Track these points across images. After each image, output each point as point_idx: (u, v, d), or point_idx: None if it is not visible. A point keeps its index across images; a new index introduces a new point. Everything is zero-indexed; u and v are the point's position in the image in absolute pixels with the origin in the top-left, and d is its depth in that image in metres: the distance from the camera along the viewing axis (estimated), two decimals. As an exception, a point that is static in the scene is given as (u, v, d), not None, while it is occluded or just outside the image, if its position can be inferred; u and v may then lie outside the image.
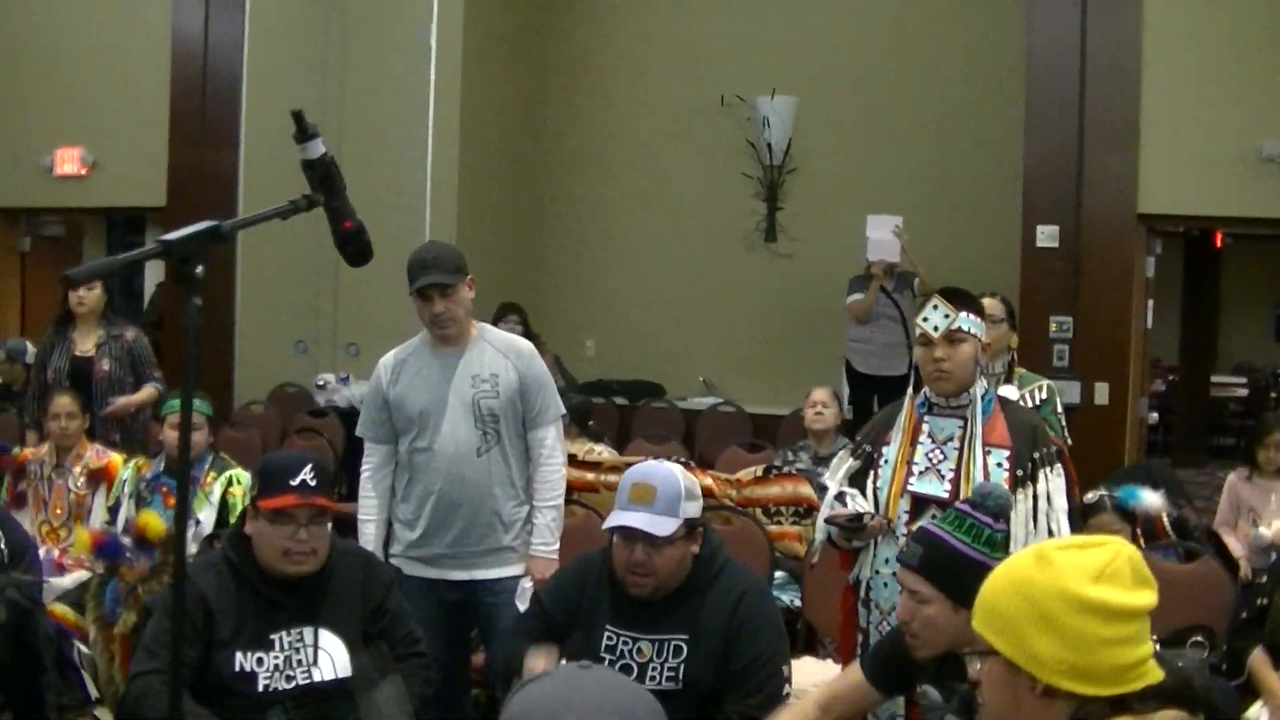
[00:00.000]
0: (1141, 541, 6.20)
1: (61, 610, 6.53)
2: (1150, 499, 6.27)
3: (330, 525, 4.46)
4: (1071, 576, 2.44)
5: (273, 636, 4.34)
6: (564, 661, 4.22)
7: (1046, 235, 10.23)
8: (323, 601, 4.43)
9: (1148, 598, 2.46)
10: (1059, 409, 6.56)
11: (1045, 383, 6.63)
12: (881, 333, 10.53)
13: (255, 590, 4.38)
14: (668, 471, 4.50)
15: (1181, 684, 2.48)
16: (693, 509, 4.40)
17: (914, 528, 4.25)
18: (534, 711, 2.00)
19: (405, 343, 5.68)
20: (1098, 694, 2.42)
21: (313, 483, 4.33)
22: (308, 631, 4.38)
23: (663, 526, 4.29)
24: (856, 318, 10.61)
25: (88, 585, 6.35)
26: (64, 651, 6.38)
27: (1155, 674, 2.45)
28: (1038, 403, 6.44)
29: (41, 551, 6.95)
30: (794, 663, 5.68)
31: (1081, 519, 5.69)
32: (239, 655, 4.30)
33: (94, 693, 6.36)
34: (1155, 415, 11.05)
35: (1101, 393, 10.18)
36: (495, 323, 11.14)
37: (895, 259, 10.41)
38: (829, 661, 5.71)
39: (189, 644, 4.23)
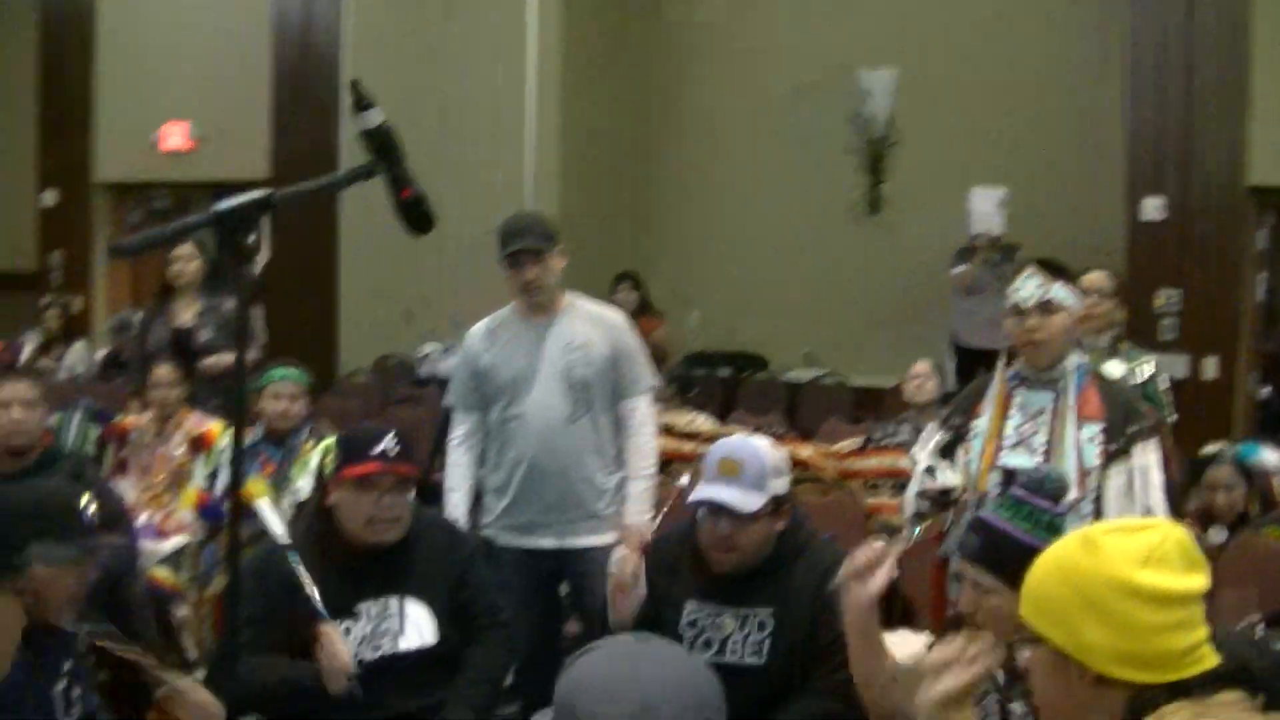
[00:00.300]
0: (1255, 505, 6.10)
1: (162, 574, 6.63)
2: (1271, 457, 6.16)
3: (413, 494, 4.48)
4: (1119, 561, 2.38)
5: (359, 606, 4.36)
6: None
7: (1153, 207, 10.09)
8: (408, 570, 4.43)
9: (1198, 581, 2.40)
10: (1164, 385, 6.46)
11: (1152, 358, 6.54)
12: (986, 305, 10.36)
13: (340, 561, 4.40)
14: (755, 446, 4.45)
15: (1239, 667, 2.42)
16: (779, 485, 4.34)
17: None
18: (591, 679, 2.00)
19: (496, 312, 5.68)
20: (1151, 681, 2.35)
21: (395, 451, 4.34)
22: (393, 601, 4.39)
23: (748, 502, 4.24)
24: (961, 290, 10.50)
25: (185, 550, 6.43)
26: (164, 614, 6.48)
27: (1211, 659, 2.38)
28: (1143, 379, 6.35)
29: (143, 517, 7.05)
30: (889, 636, 5.66)
31: (1192, 477, 5.61)
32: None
33: (194, 654, 6.46)
34: (1268, 390, 10.80)
35: (1210, 367, 10.03)
36: (611, 293, 11.26)
37: (999, 231, 10.28)
38: (925, 634, 5.66)
39: (276, 624, 4.29)
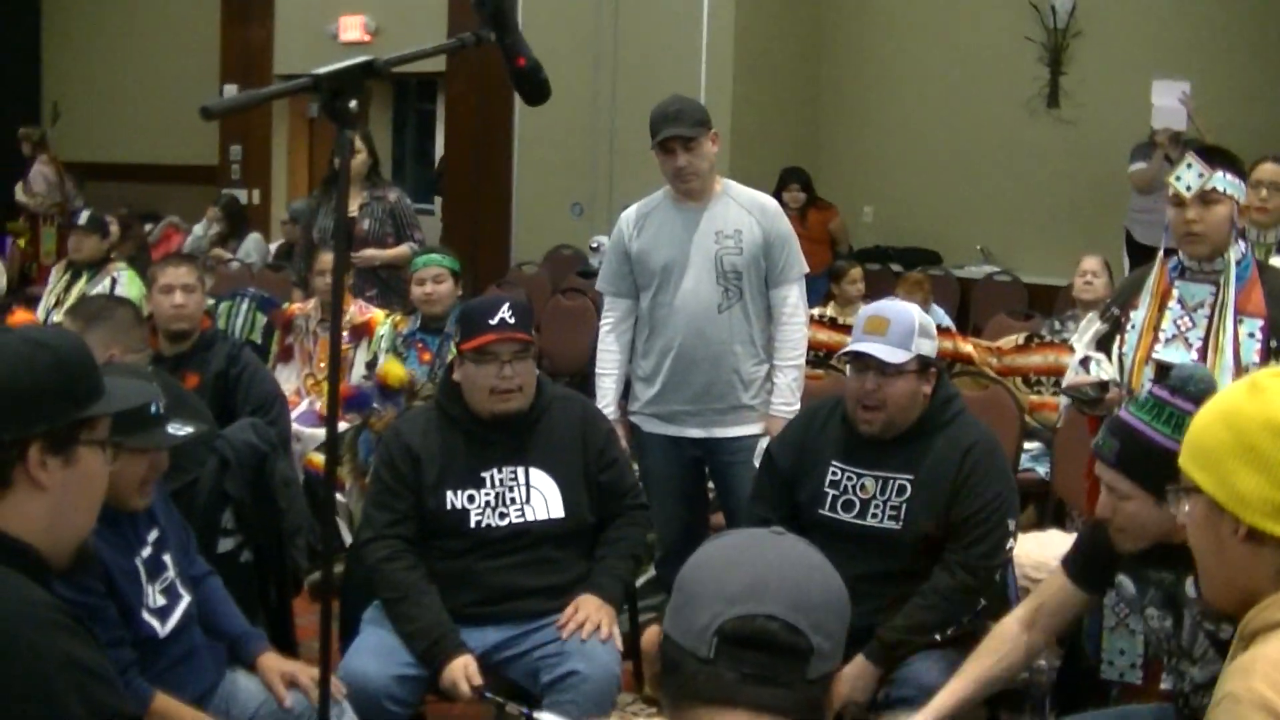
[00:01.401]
0: None
1: (320, 459, 6.72)
2: None
3: (536, 364, 4.50)
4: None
5: (484, 474, 4.38)
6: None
7: (1340, 98, 9.73)
8: (535, 442, 4.45)
9: None
10: None
11: None
12: (1164, 203, 10.09)
13: (466, 431, 4.43)
14: (903, 307, 4.49)
15: None
16: (927, 346, 4.34)
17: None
18: (707, 560, 1.97)
19: (648, 196, 5.63)
20: None
21: (511, 320, 4.35)
22: (520, 470, 4.40)
23: (895, 355, 4.24)
24: (1139, 187, 10.22)
25: (343, 438, 6.52)
26: (322, 499, 6.58)
27: None
28: None
29: (304, 404, 7.18)
30: (1040, 535, 5.59)
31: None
32: (449, 494, 4.35)
33: (348, 538, 6.56)
34: None
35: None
36: (778, 191, 11.19)
37: (1181, 127, 9.95)
38: (1075, 535, 5.57)
39: (399, 495, 4.36)
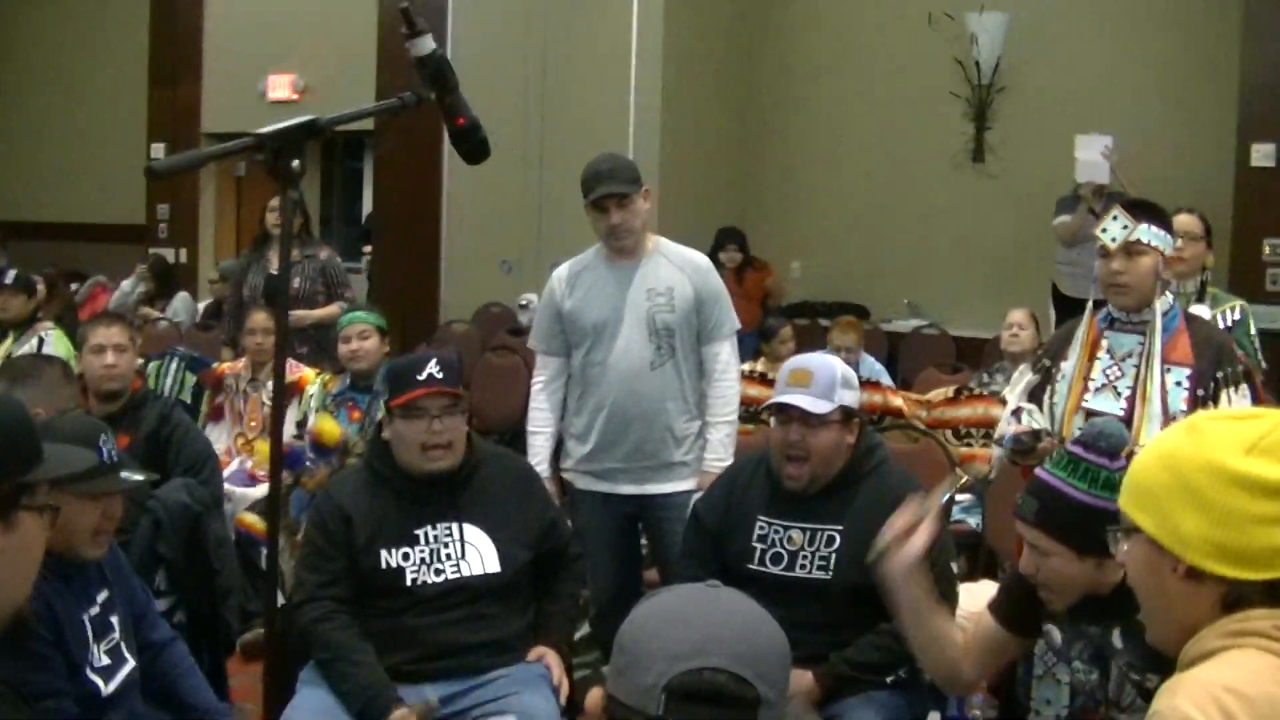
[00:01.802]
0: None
1: (251, 519, 6.73)
2: None
3: (467, 420, 4.49)
4: (1221, 447, 2.23)
5: (417, 531, 4.36)
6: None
7: (1263, 154, 9.92)
8: (468, 497, 4.44)
9: None
10: (1253, 331, 6.32)
11: (1239, 303, 6.38)
12: (1089, 255, 10.12)
13: (397, 490, 4.41)
14: (825, 359, 4.57)
15: None
16: (849, 397, 4.41)
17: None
18: (649, 617, 1.97)
19: (580, 255, 5.64)
20: (1247, 578, 2.19)
21: (440, 374, 4.35)
22: (454, 526, 4.39)
23: (819, 406, 4.30)
24: (1064, 240, 10.33)
25: (276, 494, 6.48)
26: (252, 559, 6.55)
27: None
28: (1230, 324, 6.21)
29: (235, 463, 7.14)
30: (973, 586, 5.61)
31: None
32: (383, 553, 4.33)
33: (282, 599, 6.51)
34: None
35: (1318, 321, 9.81)
36: (714, 250, 11.27)
37: (1105, 180, 10.08)
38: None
39: (331, 556, 4.33)
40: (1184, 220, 6.26)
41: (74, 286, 13.42)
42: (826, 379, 4.37)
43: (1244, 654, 2.15)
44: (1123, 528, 2.39)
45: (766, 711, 1.89)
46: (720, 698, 1.86)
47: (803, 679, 4.14)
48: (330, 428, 6.50)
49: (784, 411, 4.37)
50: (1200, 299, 6.21)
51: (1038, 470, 3.62)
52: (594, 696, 1.97)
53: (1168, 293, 4.64)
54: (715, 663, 1.87)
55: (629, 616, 1.99)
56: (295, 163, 2.51)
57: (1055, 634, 3.64)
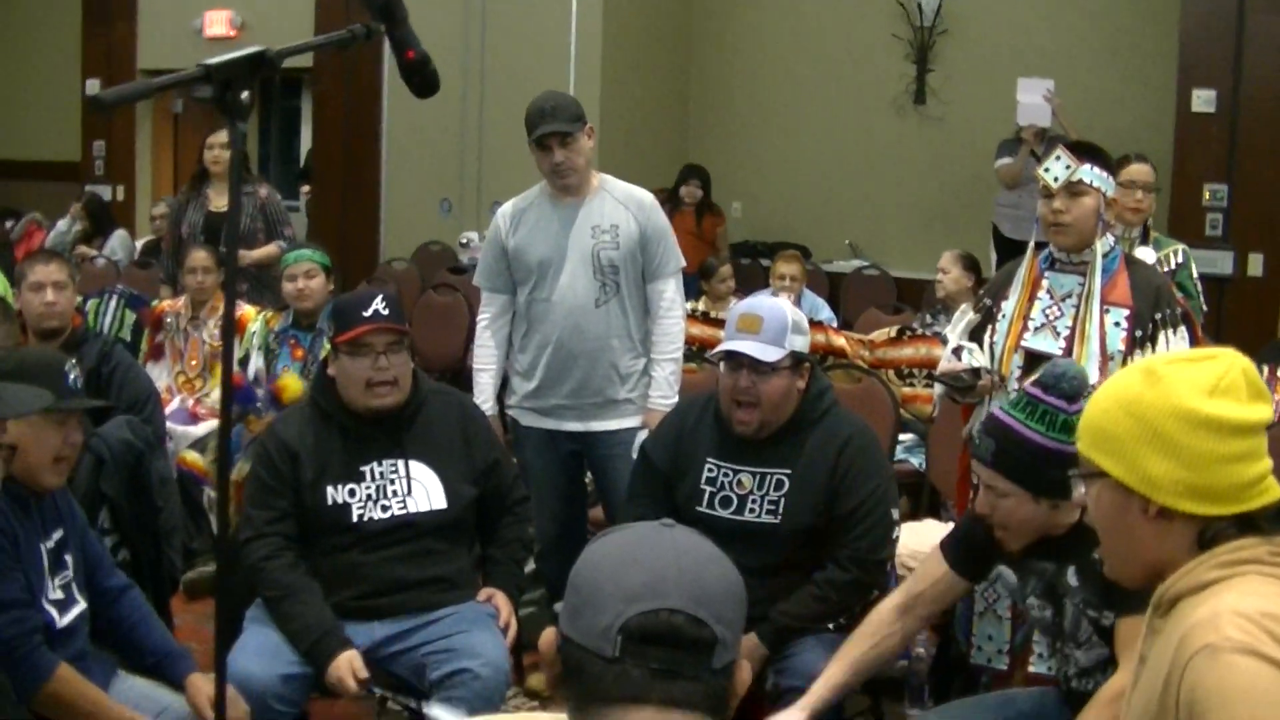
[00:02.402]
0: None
1: (193, 458, 6.71)
2: None
3: (411, 357, 4.48)
4: (1184, 391, 2.30)
5: (363, 468, 4.37)
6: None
7: (1203, 100, 9.95)
8: (413, 434, 4.45)
9: (1265, 411, 2.33)
10: (1195, 274, 6.39)
11: (1180, 247, 6.46)
12: (1030, 198, 10.17)
13: (342, 427, 4.42)
14: (775, 304, 4.52)
15: None
16: (799, 342, 4.38)
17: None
18: (603, 559, 1.96)
19: (525, 192, 5.63)
20: (1218, 513, 2.28)
21: (385, 311, 4.35)
22: (400, 463, 4.40)
23: (768, 353, 4.28)
24: (1005, 182, 10.38)
25: (213, 434, 6.47)
26: (194, 497, 6.53)
27: (1275, 490, 2.32)
28: (1173, 266, 6.28)
29: (176, 401, 7.10)
30: (916, 525, 5.68)
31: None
32: (330, 489, 4.34)
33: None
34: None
35: (1256, 264, 9.92)
36: (677, 185, 11.28)
37: (1046, 123, 10.13)
38: (950, 524, 5.66)
39: (278, 493, 4.33)
40: (1143, 170, 6.33)
41: (8, 224, 13.30)
42: (777, 325, 4.33)
43: (1247, 580, 2.22)
44: (1084, 472, 2.44)
45: (723, 651, 1.89)
46: (677, 639, 1.86)
47: (748, 640, 4.15)
48: (295, 386, 6.45)
49: (733, 358, 4.35)
50: (1144, 242, 6.27)
51: (994, 410, 3.67)
52: (547, 637, 1.96)
53: (1108, 234, 4.67)
54: (672, 604, 1.87)
55: (582, 556, 1.98)
56: (244, 95, 2.48)
57: (1010, 575, 3.69)
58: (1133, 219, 6.25)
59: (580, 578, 1.94)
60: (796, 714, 3.71)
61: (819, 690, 3.75)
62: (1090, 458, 2.41)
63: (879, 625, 3.80)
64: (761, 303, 4.54)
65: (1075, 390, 3.47)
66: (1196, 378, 2.32)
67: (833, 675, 3.76)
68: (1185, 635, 2.20)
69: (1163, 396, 2.32)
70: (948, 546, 3.82)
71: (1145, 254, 6.01)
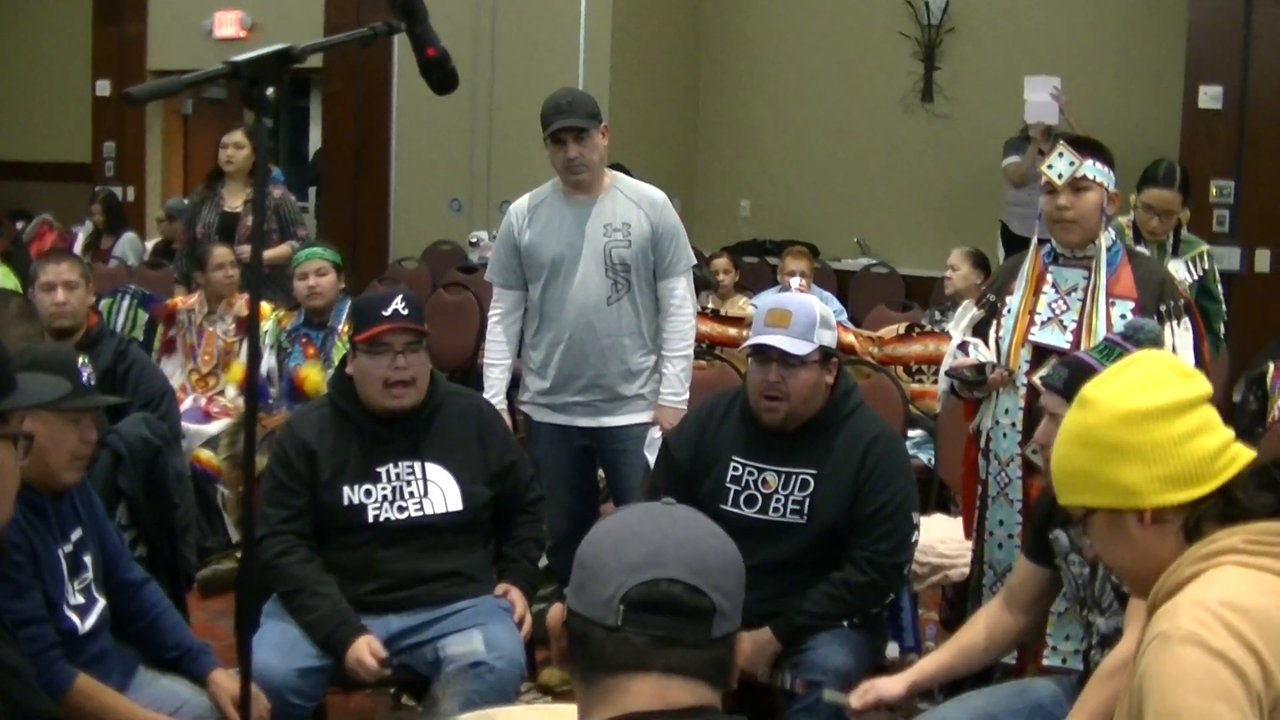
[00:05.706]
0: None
1: (206, 455, 6.74)
2: None
3: (428, 357, 4.52)
4: (1119, 400, 2.39)
5: (379, 469, 4.40)
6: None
7: (1210, 96, 9.96)
8: (430, 436, 4.48)
9: (1200, 385, 2.41)
10: (1217, 276, 6.48)
11: (1205, 249, 6.52)
12: (1038, 195, 10.27)
13: (359, 427, 4.45)
14: (804, 299, 4.55)
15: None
16: (828, 337, 4.40)
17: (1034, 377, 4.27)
18: (606, 535, 2.02)
19: (537, 189, 5.66)
20: (1202, 494, 2.34)
21: (405, 311, 4.40)
22: (416, 465, 4.43)
23: (798, 347, 4.29)
24: (1014, 180, 10.40)
25: (229, 430, 6.52)
26: (208, 495, 6.58)
27: (1245, 454, 2.38)
28: (1202, 271, 6.35)
29: (189, 400, 7.13)
30: (925, 520, 5.69)
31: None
32: (346, 489, 4.37)
33: (235, 536, 6.55)
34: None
35: (1263, 260, 9.94)
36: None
37: (1053, 121, 10.16)
38: (960, 520, 5.69)
39: (294, 492, 4.36)
40: (1164, 197, 6.31)
41: (19, 225, 13.34)
42: (806, 319, 4.35)
43: (1222, 572, 2.27)
44: (1075, 520, 2.53)
45: (722, 621, 1.95)
46: (677, 608, 1.91)
47: (760, 634, 4.20)
48: (315, 378, 6.49)
49: (762, 352, 4.36)
50: (1174, 254, 6.33)
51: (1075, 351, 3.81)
52: (554, 612, 2.02)
53: (1110, 228, 4.71)
54: (671, 574, 1.92)
55: (588, 536, 2.04)
56: (270, 91, 2.52)
57: (1063, 537, 3.74)
58: (1150, 239, 6.30)
59: (585, 554, 2.01)
60: (896, 684, 3.79)
61: (925, 665, 3.85)
62: (1072, 503, 2.49)
63: (990, 616, 3.89)
64: (790, 297, 4.60)
65: (1150, 341, 3.67)
66: (1124, 384, 2.42)
67: (940, 655, 3.86)
68: (1150, 624, 2.28)
69: (1103, 414, 2.40)
70: (1023, 542, 3.92)
71: (1176, 266, 6.09)
